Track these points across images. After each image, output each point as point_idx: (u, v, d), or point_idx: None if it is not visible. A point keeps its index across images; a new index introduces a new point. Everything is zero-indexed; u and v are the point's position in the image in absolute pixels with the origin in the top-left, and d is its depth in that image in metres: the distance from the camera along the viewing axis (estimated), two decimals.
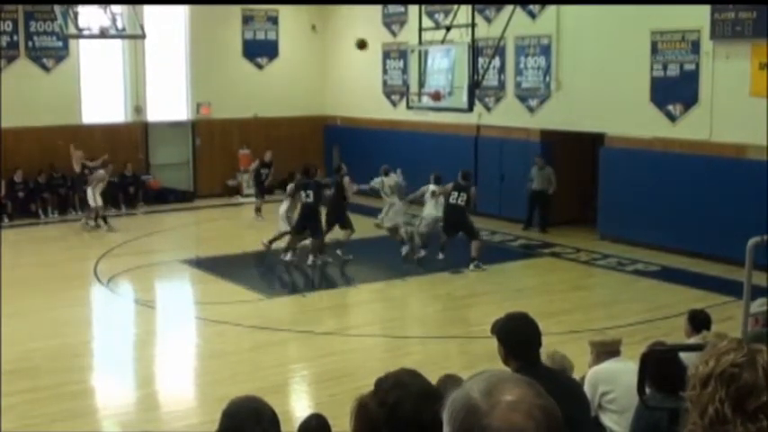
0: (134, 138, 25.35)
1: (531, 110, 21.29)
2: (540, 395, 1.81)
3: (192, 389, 11.84)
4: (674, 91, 17.95)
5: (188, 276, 17.39)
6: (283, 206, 18.18)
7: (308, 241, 17.38)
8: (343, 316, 14.92)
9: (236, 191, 26.13)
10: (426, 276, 16.43)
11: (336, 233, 17.82)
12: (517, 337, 4.68)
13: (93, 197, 21.16)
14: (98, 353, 13.23)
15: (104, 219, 21.45)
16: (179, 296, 16.77)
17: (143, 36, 22.32)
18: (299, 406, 10.68)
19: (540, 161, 20.23)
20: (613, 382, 6.50)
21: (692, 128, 17.62)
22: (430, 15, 22.07)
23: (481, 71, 19.15)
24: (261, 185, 23.01)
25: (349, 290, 15.89)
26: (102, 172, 21.74)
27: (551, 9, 20.41)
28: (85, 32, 20.98)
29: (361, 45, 19.72)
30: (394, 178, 18.11)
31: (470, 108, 18.72)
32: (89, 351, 13.21)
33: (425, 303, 15.60)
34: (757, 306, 8.40)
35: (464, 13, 19.09)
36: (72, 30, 20.99)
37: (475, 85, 18.44)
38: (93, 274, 17.06)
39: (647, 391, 5.44)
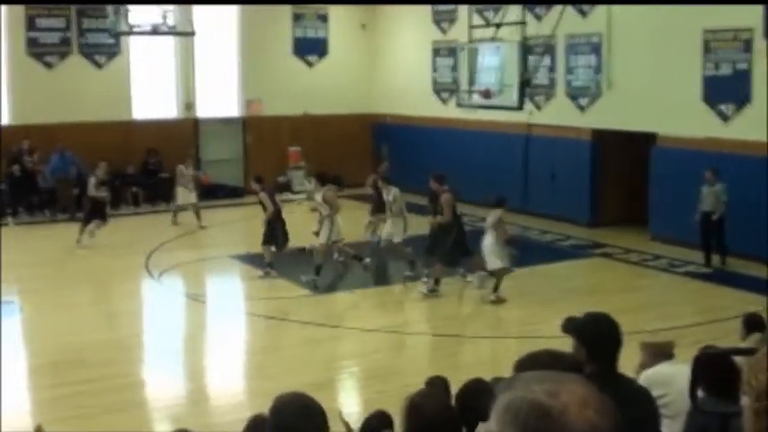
0: (185, 134, 25.55)
1: (581, 109, 21.15)
2: (597, 390, 1.82)
3: (241, 383, 11.92)
4: (727, 90, 17.73)
5: (238, 271, 17.49)
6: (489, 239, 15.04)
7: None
8: (392, 313, 14.91)
9: (286, 187, 26.20)
10: (475, 275, 16.33)
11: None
12: (602, 338, 4.39)
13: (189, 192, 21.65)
14: (148, 346, 13.38)
15: (175, 213, 22.20)
16: (229, 291, 16.86)
17: (193, 33, 22.53)
18: (348, 402, 10.71)
19: (710, 176, 16.95)
20: (668, 386, 6.41)
21: (744, 127, 17.39)
22: (480, 13, 21.98)
23: (531, 69, 19.04)
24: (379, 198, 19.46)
25: (398, 287, 15.87)
26: (181, 166, 22.13)
27: (602, 7, 20.24)
28: (137, 30, 21.21)
29: None
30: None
31: (521, 106, 18.57)
32: (139, 344, 13.36)
33: (475, 302, 15.53)
34: None
35: (514, 10, 18.99)
36: (123, 27, 21.24)
37: (525, 84, 18.33)
38: (144, 268, 17.24)
39: (700, 394, 5.36)
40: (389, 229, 16.56)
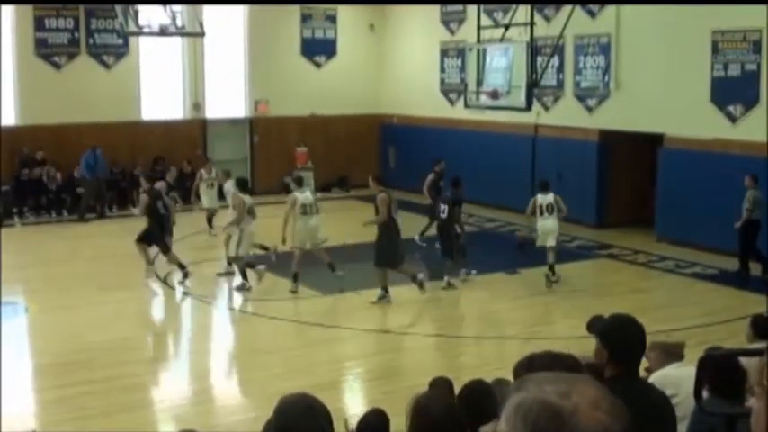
0: (192, 134, 25.58)
1: (589, 109, 21.11)
2: (609, 391, 1.79)
3: (246, 384, 11.90)
4: (735, 91, 17.68)
5: None
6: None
7: None
8: (396, 314, 14.87)
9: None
10: (481, 276, 16.32)
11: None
12: (627, 342, 4.34)
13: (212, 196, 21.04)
14: (153, 347, 13.39)
15: (209, 220, 20.98)
16: (234, 292, 16.85)
17: (202, 34, 22.53)
18: (353, 403, 10.70)
19: (747, 181, 16.51)
20: (678, 387, 6.37)
21: (752, 129, 17.32)
22: (489, 14, 21.98)
23: (540, 70, 19.00)
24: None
25: (404, 288, 15.84)
26: (202, 170, 21.50)
27: (611, 8, 20.21)
28: (145, 30, 21.23)
29: None
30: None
31: (528, 107, 18.58)
32: (145, 345, 13.37)
33: (480, 303, 15.50)
34: None
35: (523, 11, 18.96)
36: (132, 28, 21.26)
37: (533, 85, 18.31)
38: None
39: (705, 395, 5.33)
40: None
